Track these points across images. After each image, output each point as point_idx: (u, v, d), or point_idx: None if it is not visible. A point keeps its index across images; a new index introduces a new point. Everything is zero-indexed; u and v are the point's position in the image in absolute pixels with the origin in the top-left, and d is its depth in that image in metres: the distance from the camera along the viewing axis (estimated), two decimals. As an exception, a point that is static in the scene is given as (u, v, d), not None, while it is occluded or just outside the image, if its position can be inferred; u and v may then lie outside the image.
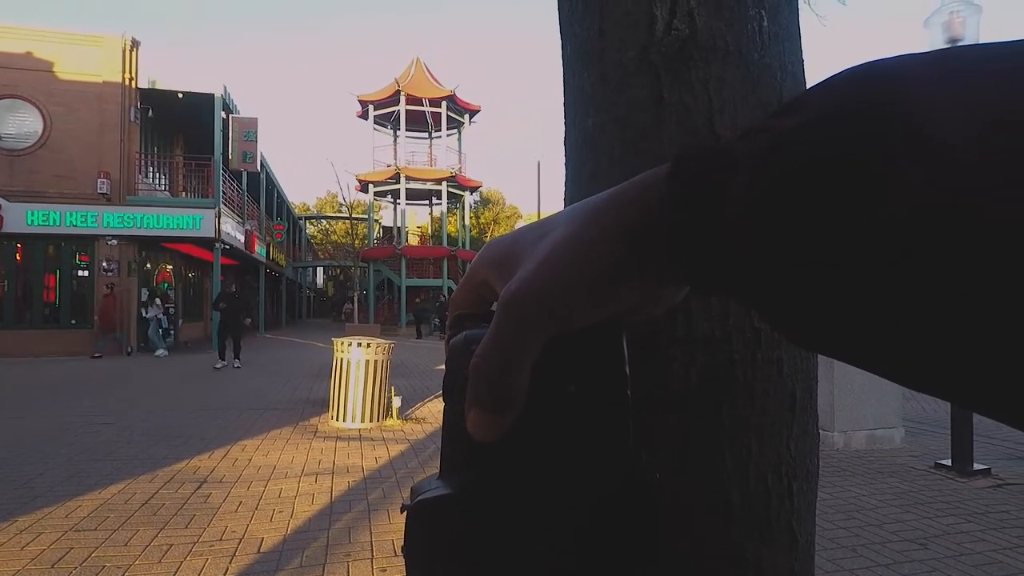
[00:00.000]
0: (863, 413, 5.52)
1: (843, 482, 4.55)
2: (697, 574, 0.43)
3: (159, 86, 15.70)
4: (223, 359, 11.57)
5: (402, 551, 0.24)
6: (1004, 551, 3.35)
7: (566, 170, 0.53)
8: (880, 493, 4.35)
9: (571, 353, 0.24)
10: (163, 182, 18.97)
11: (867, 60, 0.19)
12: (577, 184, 0.51)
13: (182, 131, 19.44)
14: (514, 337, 0.23)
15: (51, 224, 14.28)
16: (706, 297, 0.44)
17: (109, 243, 14.68)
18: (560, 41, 0.54)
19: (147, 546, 3.17)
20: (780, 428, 0.44)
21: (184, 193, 19.11)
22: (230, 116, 17.98)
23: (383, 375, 6.48)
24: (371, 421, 6.34)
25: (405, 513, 0.24)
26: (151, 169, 17.95)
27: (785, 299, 0.19)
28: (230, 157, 17.79)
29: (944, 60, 0.17)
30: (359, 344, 6.44)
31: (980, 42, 0.18)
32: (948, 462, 4.93)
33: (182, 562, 2.99)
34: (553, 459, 0.24)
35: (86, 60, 14.73)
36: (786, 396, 0.44)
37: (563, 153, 0.54)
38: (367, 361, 6.39)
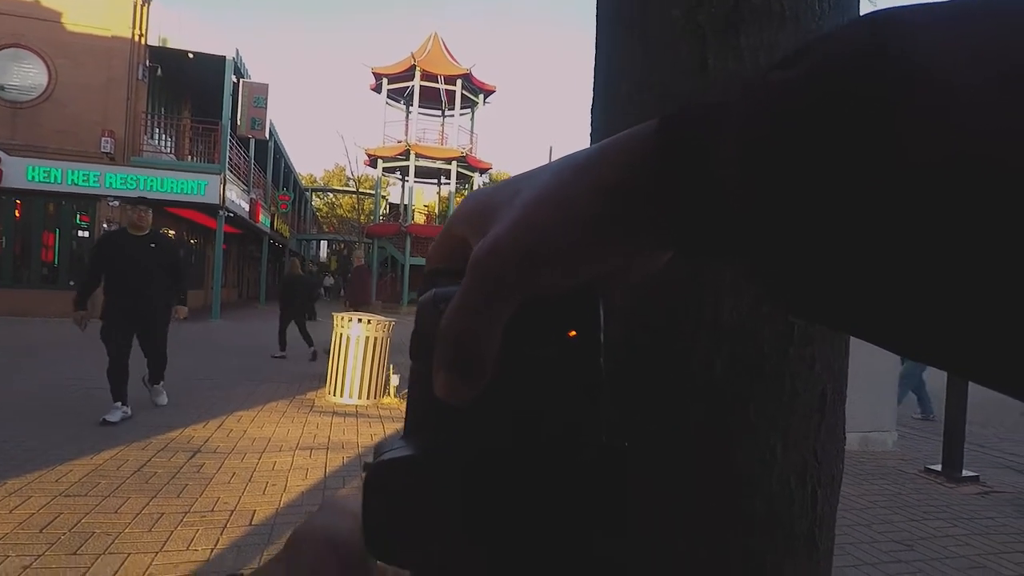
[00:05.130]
0: (858, 415, 5.52)
1: (834, 482, 4.58)
2: (708, 578, 0.41)
3: (169, 45, 15.44)
4: (122, 402, 4.98)
5: (361, 513, 0.23)
6: (988, 556, 3.38)
7: (591, 140, 0.50)
8: (870, 494, 4.38)
9: (545, 317, 0.23)
10: (169, 144, 18.81)
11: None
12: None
13: (190, 93, 19.24)
14: (485, 298, 0.21)
15: (52, 181, 14.09)
16: (737, 282, 0.41)
17: (111, 204, 14.52)
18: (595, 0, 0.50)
19: (138, 514, 3.18)
20: (807, 430, 0.42)
21: (190, 157, 18.94)
22: (240, 80, 17.77)
23: (382, 352, 6.48)
24: (368, 398, 6.36)
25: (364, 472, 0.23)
26: (157, 130, 17.78)
27: (783, 260, 0.17)
28: (238, 123, 17.62)
29: (957, 5, 0.15)
30: (359, 320, 6.44)
31: None
32: (938, 467, 4.99)
33: (172, 531, 3.00)
34: (521, 425, 0.23)
35: (95, 12, 14.43)
36: (816, 396, 0.42)
37: (588, 123, 0.51)
38: (367, 338, 6.39)
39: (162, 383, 5.66)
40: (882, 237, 0.15)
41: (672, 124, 0.20)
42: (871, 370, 5.43)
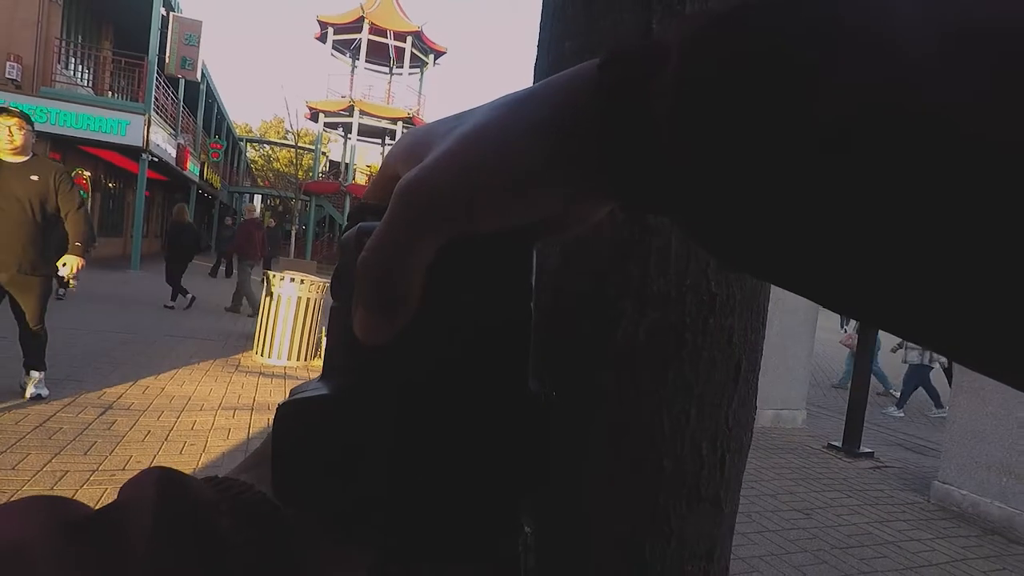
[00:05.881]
0: (772, 394, 5.90)
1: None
2: (619, 535, 0.42)
3: (88, -33, 14.00)
4: None
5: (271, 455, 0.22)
6: (875, 524, 3.74)
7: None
8: (777, 467, 4.72)
9: (474, 258, 0.21)
10: (86, 77, 17.19)
11: None
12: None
13: (112, 22, 17.59)
14: (407, 233, 0.20)
15: (-52, 107, 12.62)
16: (665, 251, 0.41)
17: (18, 138, 13.16)
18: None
19: (38, 471, 2.98)
20: (721, 398, 0.44)
21: (111, 93, 17.43)
22: (171, 14, 16.40)
23: (315, 314, 6.32)
24: (298, 360, 6.20)
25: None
26: (73, 60, 16.18)
27: (713, 211, 0.17)
28: (167, 60, 16.32)
29: None
30: (292, 280, 6.22)
31: None
32: (839, 443, 5.41)
33: (77, 490, 2.83)
34: (444, 369, 0.22)
35: (1, -77, 12.86)
36: (732, 366, 0.43)
37: (532, 81, 0.50)
38: (299, 298, 6.19)
39: (41, 373, 3.88)
40: (799, 191, 0.15)
41: (615, 60, 0.19)
42: (786, 354, 5.80)
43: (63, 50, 14.75)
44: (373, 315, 0.20)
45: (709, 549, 0.44)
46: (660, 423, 0.41)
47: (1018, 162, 0.11)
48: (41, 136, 13.19)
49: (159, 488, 0.21)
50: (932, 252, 0.13)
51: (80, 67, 16.80)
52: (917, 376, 7.56)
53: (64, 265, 3.71)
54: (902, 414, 7.58)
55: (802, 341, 6.16)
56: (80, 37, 16.42)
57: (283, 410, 0.21)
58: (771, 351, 5.34)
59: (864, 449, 5.34)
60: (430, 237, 0.20)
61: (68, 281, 3.83)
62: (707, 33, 0.17)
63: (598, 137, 0.19)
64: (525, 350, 0.23)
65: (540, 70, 0.48)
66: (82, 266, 3.81)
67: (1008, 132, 0.12)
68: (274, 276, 6.28)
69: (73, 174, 15.00)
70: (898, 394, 7.93)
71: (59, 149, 14.23)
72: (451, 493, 0.22)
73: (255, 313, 8.95)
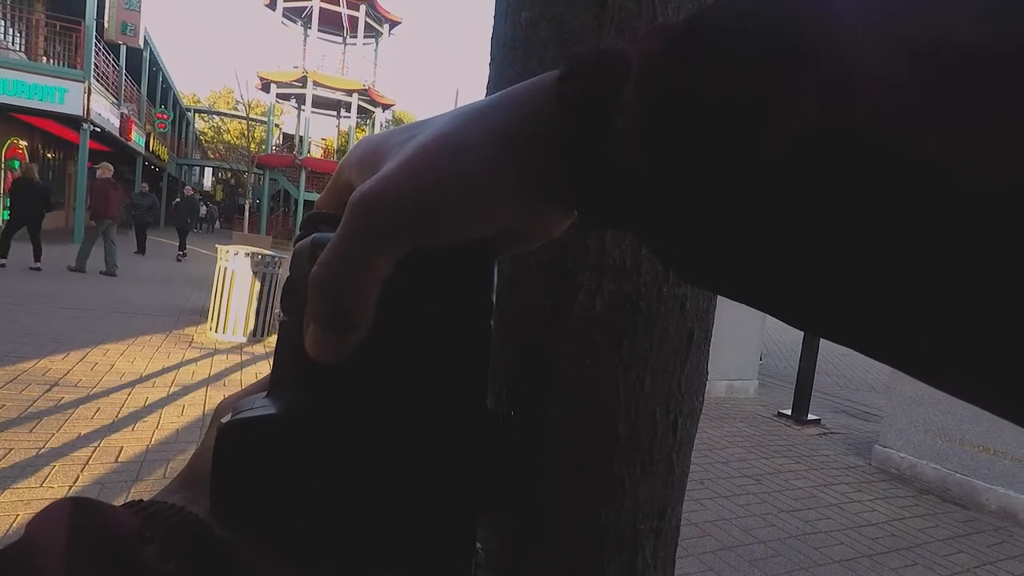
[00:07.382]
0: (726, 365, 6.11)
1: (701, 424, 5.07)
2: (575, 500, 0.44)
3: (13, -80, 12.95)
4: None
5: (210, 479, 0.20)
6: (819, 487, 3.95)
7: (490, 71, 0.48)
8: (730, 435, 4.91)
9: (432, 272, 0.21)
10: (18, 42, 16.03)
11: None
12: (500, 87, 0.47)
13: (44, -17, 16.39)
14: (362, 246, 0.19)
15: None
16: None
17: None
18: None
19: (-20, 450, 2.86)
20: (674, 365, 0.45)
21: (46, 59, 16.30)
22: (107, -24, 15.36)
23: (271, 289, 6.16)
24: (254, 336, 6.06)
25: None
26: (2, 23, 15.08)
27: (669, 227, 0.17)
28: (107, 25, 15.32)
29: None
30: (246, 255, 6.04)
31: None
32: (789, 412, 5.66)
33: (23, 468, 2.74)
34: (399, 389, 0.21)
35: None
36: (684, 334, 0.45)
37: (488, 54, 0.49)
38: (254, 273, 6.03)
39: None
40: (750, 213, 0.15)
41: (576, 71, 0.19)
42: (740, 328, 5.99)
43: (-11, 10, 13.69)
44: (325, 332, 0.19)
45: (661, 509, 0.46)
46: (616, 392, 0.43)
47: (974, 190, 0.11)
48: (-32, 103, 12.33)
49: (71, 520, 0.20)
50: (877, 272, 0.13)
51: (11, 30, 15.64)
52: None
53: None
54: None
55: (755, 314, 6.37)
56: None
57: (227, 428, 0.20)
58: (725, 324, 5.52)
59: (811, 416, 5.61)
60: (387, 251, 0.19)
61: None
62: (666, 53, 0.17)
63: (559, 150, 0.19)
64: (484, 367, 0.22)
65: (497, 41, 0.48)
66: None
67: (965, 162, 0.11)
68: (225, 251, 6.08)
69: (8, 143, 14.08)
70: None
71: (-11, 117, 13.29)
72: (407, 509, 0.21)
73: (110, 271, 8.74)
